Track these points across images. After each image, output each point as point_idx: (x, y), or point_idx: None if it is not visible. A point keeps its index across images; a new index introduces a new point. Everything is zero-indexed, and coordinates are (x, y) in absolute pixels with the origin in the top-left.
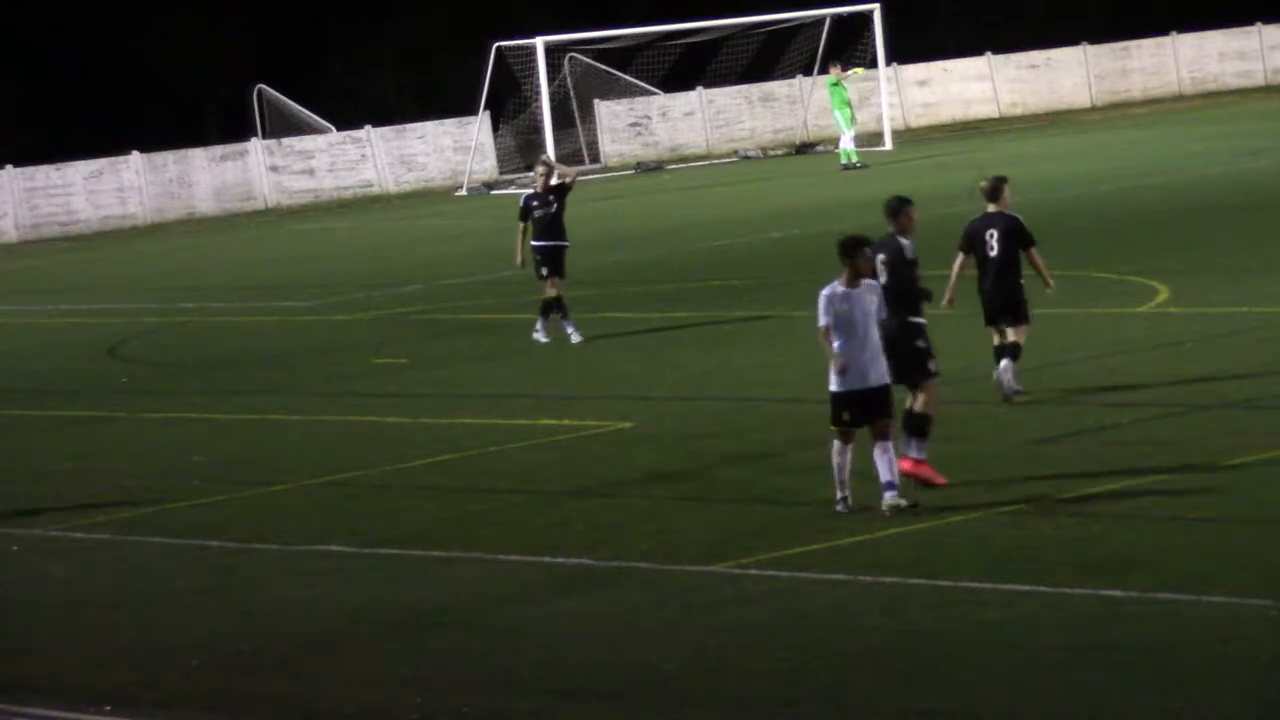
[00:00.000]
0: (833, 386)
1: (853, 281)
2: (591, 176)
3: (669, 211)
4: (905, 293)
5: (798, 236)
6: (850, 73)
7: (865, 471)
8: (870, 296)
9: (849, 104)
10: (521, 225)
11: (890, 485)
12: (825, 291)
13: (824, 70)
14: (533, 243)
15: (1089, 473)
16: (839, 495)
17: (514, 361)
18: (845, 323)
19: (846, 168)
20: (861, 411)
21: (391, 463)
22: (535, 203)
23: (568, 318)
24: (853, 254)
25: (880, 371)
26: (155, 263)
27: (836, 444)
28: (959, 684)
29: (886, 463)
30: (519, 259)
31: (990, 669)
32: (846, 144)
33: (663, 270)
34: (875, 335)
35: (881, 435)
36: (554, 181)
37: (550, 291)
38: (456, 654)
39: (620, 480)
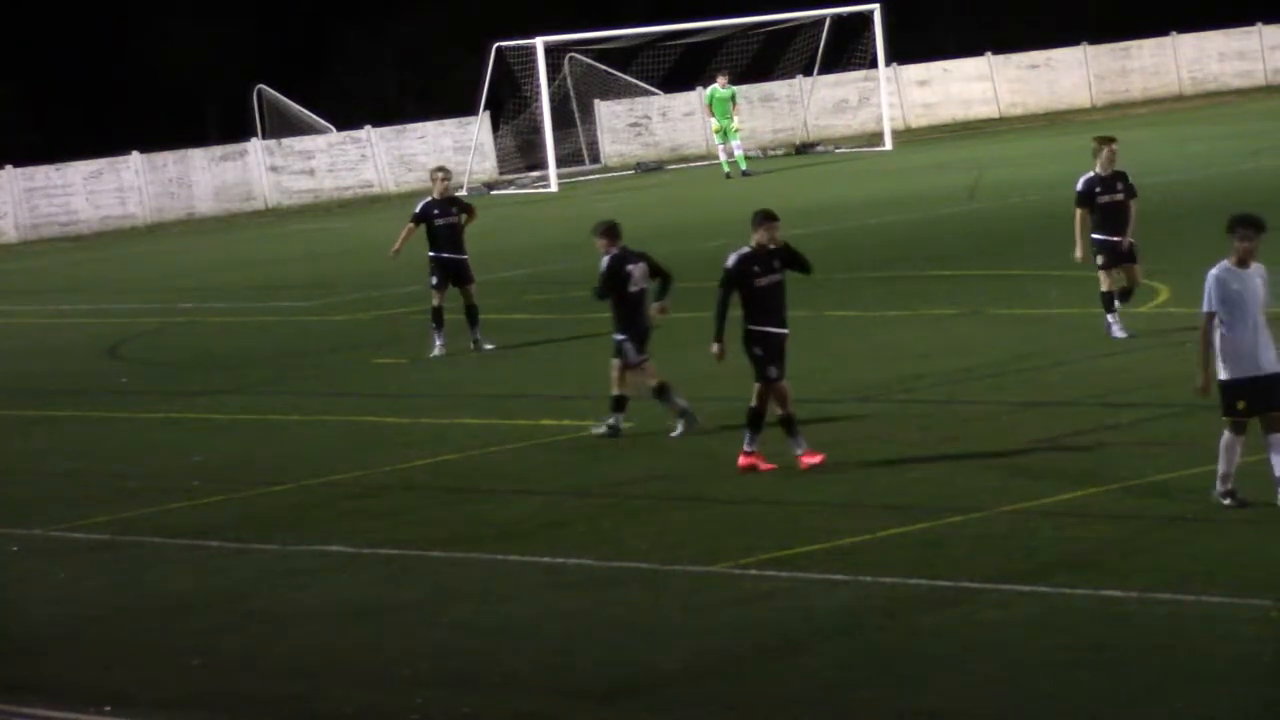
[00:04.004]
0: (1223, 375)
1: (1243, 262)
2: (591, 176)
3: (669, 211)
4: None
5: (797, 236)
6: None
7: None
8: (1258, 280)
9: (729, 114)
10: (412, 226)
11: None
12: (1214, 272)
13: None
14: (438, 254)
15: (1089, 473)
16: (1222, 489)
17: (514, 361)
18: (1236, 305)
19: (743, 174)
20: (1257, 400)
21: (391, 463)
22: (436, 210)
23: (476, 324)
24: (1233, 232)
25: (1271, 358)
26: (155, 263)
27: (1228, 435)
28: (959, 684)
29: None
30: (398, 246)
31: (990, 669)
32: (725, 155)
33: None
34: (1262, 320)
35: (1276, 427)
36: (459, 194)
37: (443, 299)
38: (456, 654)
39: (620, 480)
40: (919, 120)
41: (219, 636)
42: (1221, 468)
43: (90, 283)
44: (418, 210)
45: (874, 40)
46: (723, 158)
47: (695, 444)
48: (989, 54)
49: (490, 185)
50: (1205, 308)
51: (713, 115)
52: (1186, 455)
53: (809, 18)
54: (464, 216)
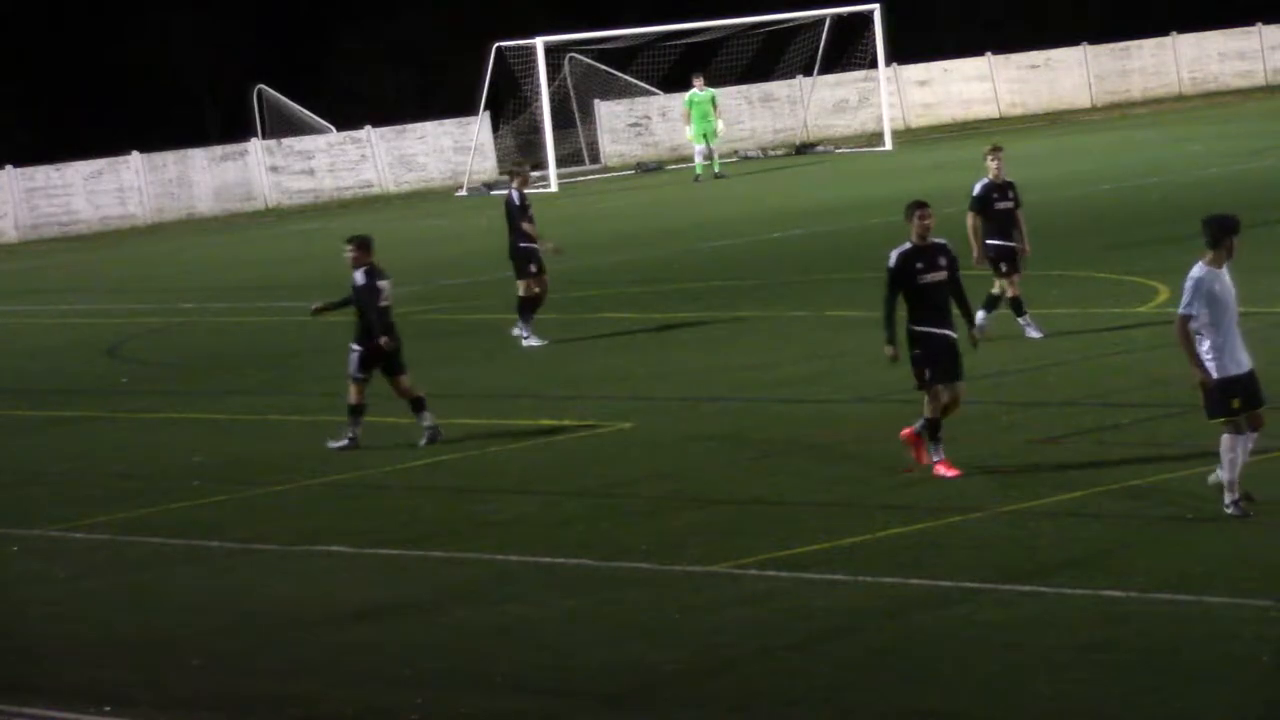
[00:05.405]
0: (1215, 374)
1: (1221, 262)
2: (591, 177)
3: (669, 211)
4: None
5: (798, 236)
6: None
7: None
8: (1228, 279)
9: (708, 118)
10: (527, 225)
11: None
12: (1196, 274)
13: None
14: (530, 244)
15: (1089, 473)
16: (1232, 498)
17: (514, 361)
18: (1218, 305)
19: (716, 176)
20: (1249, 398)
21: (391, 463)
22: (528, 203)
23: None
24: (1230, 236)
25: (1246, 356)
26: (155, 263)
27: (1229, 438)
28: (959, 684)
29: (1245, 455)
30: (551, 244)
31: (990, 669)
32: (700, 157)
33: (663, 270)
34: (1237, 318)
35: (1258, 425)
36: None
37: (535, 289)
38: (456, 654)
39: (620, 480)
40: (919, 120)
41: (219, 636)
42: (1227, 475)
43: (90, 283)
44: (517, 204)
45: (874, 40)
46: (698, 160)
47: (695, 444)
48: (989, 54)
49: (490, 185)
50: (1185, 310)
51: (689, 121)
52: (1186, 455)
53: (809, 18)
54: None
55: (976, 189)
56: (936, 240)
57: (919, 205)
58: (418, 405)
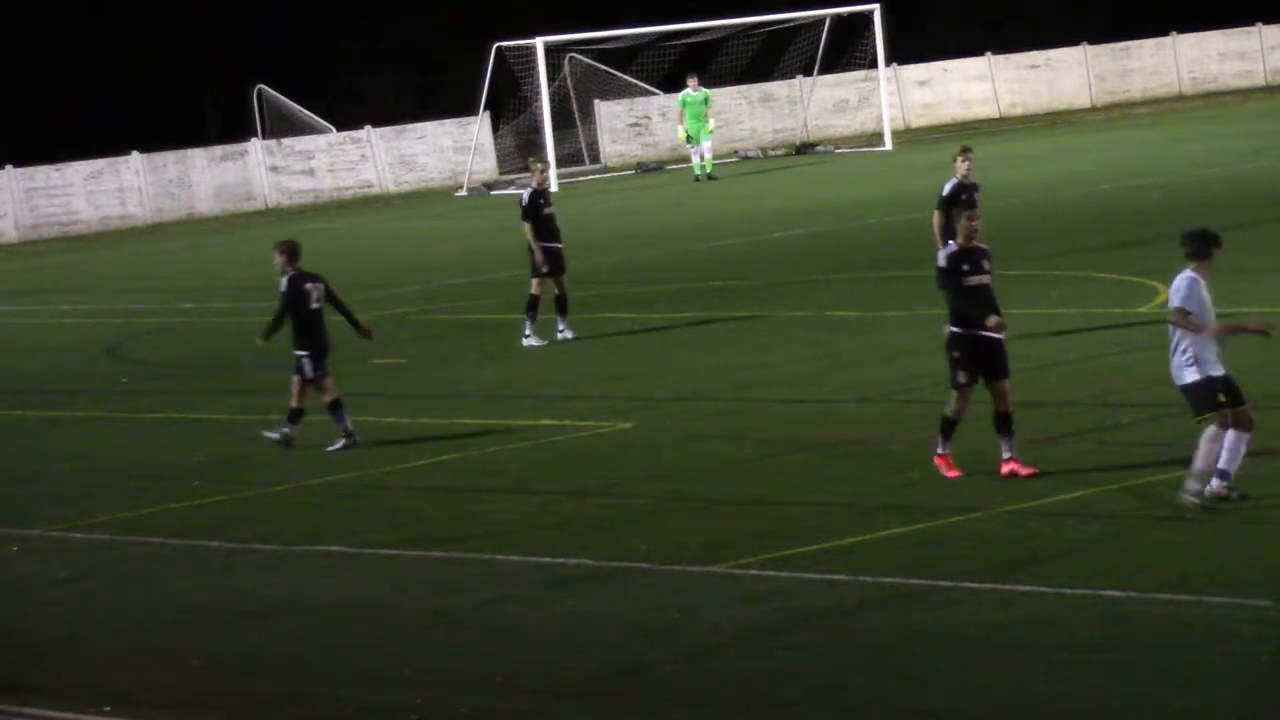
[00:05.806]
0: (1196, 375)
1: (1205, 273)
2: (591, 177)
3: (669, 211)
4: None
5: (798, 236)
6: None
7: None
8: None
9: (702, 118)
10: (529, 225)
11: (1224, 473)
12: (1190, 274)
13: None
14: (547, 243)
15: (1089, 473)
16: (1196, 486)
17: (514, 361)
18: (1203, 309)
19: (708, 178)
20: (1232, 394)
21: (391, 463)
22: (542, 200)
23: (566, 314)
24: (1214, 248)
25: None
26: (155, 263)
27: (1212, 429)
28: (959, 684)
29: (1234, 453)
30: (540, 257)
31: (990, 669)
32: (696, 158)
33: (663, 270)
34: None
35: (1244, 424)
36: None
37: (552, 290)
38: (456, 654)
39: (620, 480)
40: (919, 120)
41: (219, 636)
42: (1199, 465)
43: (90, 283)
44: (526, 203)
45: (874, 40)
46: (695, 160)
47: (695, 444)
48: (989, 54)
49: (490, 185)
50: (1182, 303)
51: (683, 121)
52: (1186, 455)
53: (809, 18)
54: None
55: (946, 188)
56: (980, 244)
57: (967, 206)
58: (334, 408)
